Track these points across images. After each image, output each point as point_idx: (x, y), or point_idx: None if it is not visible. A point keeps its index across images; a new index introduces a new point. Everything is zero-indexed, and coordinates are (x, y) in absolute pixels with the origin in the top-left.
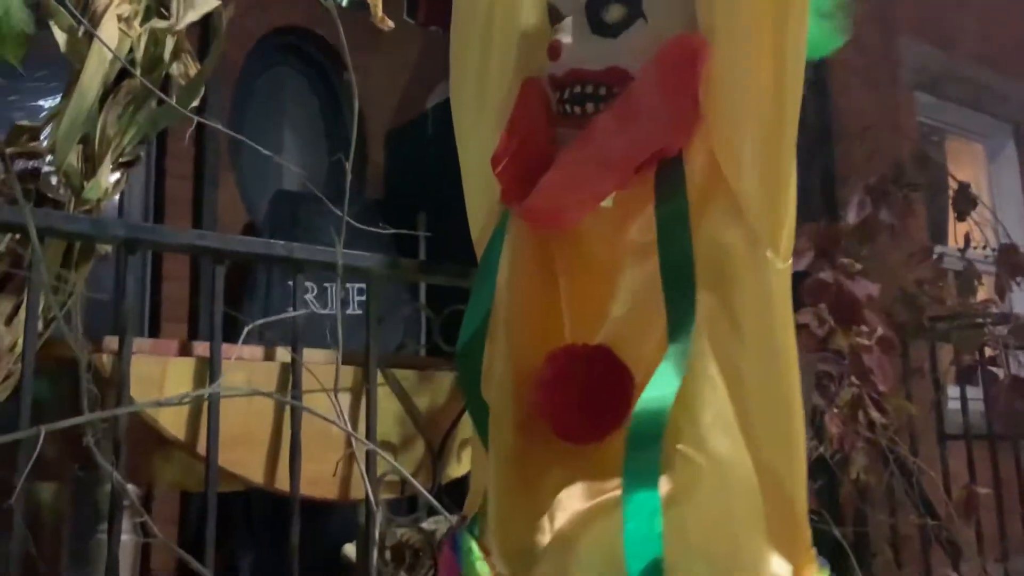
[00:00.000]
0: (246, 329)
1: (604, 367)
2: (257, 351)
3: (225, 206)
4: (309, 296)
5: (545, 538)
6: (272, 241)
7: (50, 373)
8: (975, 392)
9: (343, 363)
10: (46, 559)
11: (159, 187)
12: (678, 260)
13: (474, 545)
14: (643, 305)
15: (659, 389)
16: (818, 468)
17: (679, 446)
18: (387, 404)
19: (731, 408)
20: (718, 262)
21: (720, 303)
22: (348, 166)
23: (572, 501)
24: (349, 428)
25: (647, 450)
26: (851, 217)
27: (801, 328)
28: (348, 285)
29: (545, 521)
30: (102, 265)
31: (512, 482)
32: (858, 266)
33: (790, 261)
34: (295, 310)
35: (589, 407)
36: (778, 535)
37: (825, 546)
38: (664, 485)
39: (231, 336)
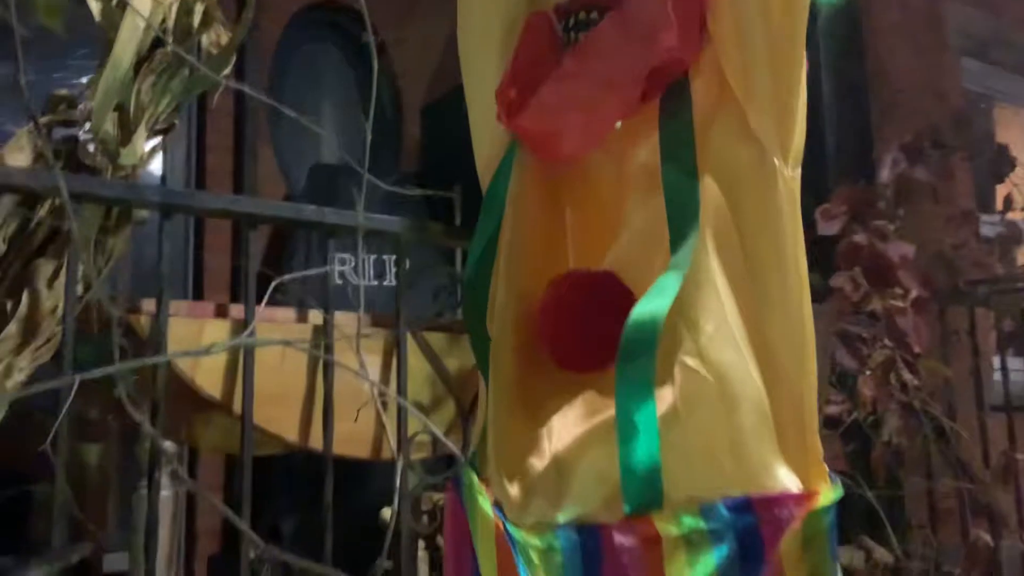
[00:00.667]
0: (272, 284)
1: (607, 293)
2: (291, 313)
3: (264, 179)
4: (347, 267)
5: (543, 464)
6: (303, 205)
7: (95, 338)
8: (1018, 364)
9: (375, 325)
10: (93, 519)
11: (200, 161)
12: (681, 176)
13: (475, 478)
14: (649, 232)
15: (655, 299)
16: (851, 431)
17: (681, 357)
18: (417, 366)
19: (738, 319)
20: (725, 178)
21: (726, 215)
22: (369, 123)
23: (571, 426)
24: (379, 384)
25: (639, 360)
26: (884, 175)
27: (835, 292)
28: (384, 257)
29: (544, 448)
30: (145, 236)
31: (511, 410)
32: (891, 227)
33: (799, 170)
34: (328, 273)
35: (590, 334)
36: (787, 448)
37: (858, 510)
38: (665, 397)
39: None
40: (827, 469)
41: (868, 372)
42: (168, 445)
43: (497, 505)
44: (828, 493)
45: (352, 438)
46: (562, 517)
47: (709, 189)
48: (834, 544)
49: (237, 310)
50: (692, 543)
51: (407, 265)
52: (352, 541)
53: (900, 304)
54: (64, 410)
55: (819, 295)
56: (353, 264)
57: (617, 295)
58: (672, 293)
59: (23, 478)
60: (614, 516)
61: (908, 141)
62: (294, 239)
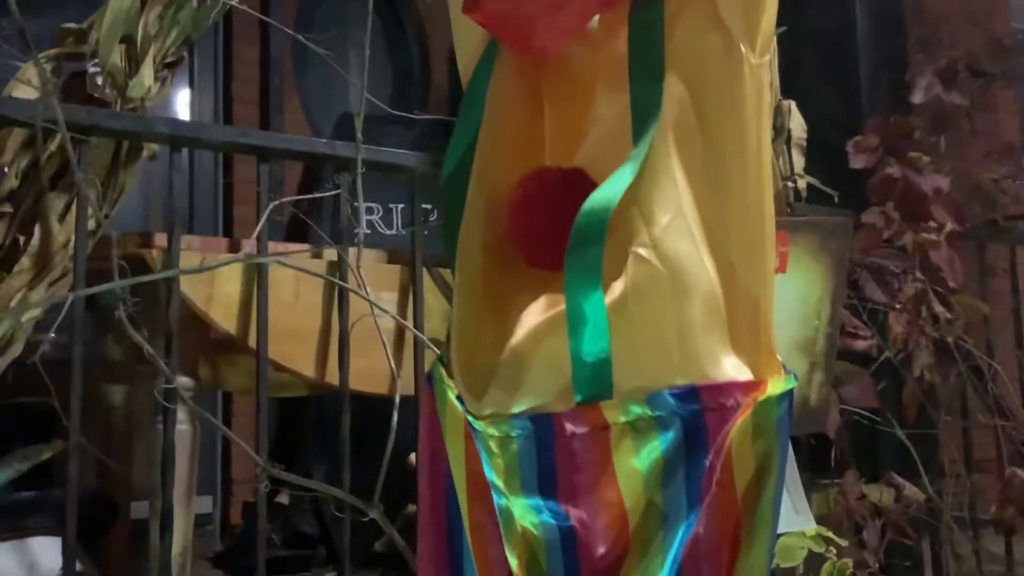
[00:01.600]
0: (269, 208)
1: (577, 190)
2: (305, 249)
3: (291, 130)
4: (375, 216)
5: (502, 357)
6: (315, 139)
7: (121, 279)
8: None
9: (391, 263)
10: (120, 460)
11: (227, 112)
12: (646, 68)
13: (443, 373)
14: (618, 127)
15: (607, 189)
16: (883, 368)
17: (634, 248)
18: (434, 303)
19: (695, 211)
20: (692, 68)
21: (690, 106)
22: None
23: (532, 320)
24: (397, 317)
25: (587, 249)
26: (917, 97)
27: (866, 228)
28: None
29: (505, 342)
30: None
31: (477, 307)
32: (926, 159)
33: (766, 57)
34: (344, 209)
35: (560, 231)
36: (739, 340)
37: (889, 448)
38: (616, 288)
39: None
40: (780, 361)
41: (898, 306)
42: (183, 380)
43: (459, 399)
44: (778, 383)
45: (369, 374)
46: (517, 407)
47: (674, 80)
48: (785, 436)
49: (250, 245)
50: (639, 430)
51: (420, 202)
52: (387, 487)
53: (933, 238)
54: (78, 334)
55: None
56: (380, 213)
57: (586, 192)
58: (624, 183)
59: (55, 419)
60: (567, 406)
61: (943, 65)
62: (324, 185)
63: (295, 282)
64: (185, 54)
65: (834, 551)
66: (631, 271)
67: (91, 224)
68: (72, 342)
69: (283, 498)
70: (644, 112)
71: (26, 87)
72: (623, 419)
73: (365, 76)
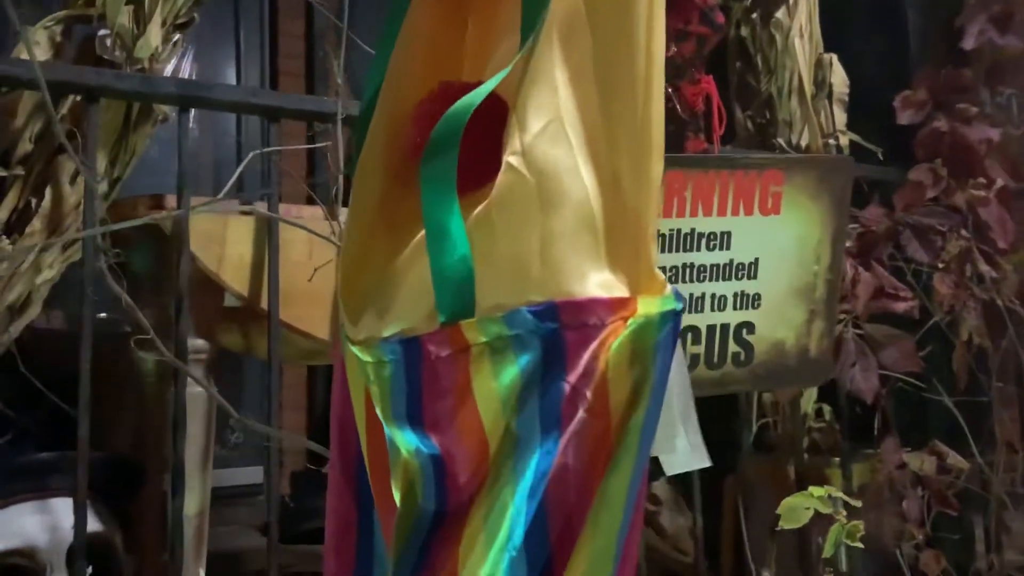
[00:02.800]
0: (248, 158)
1: (483, 106)
2: (318, 211)
3: None
4: None
5: (380, 280)
6: (325, 99)
7: (146, 247)
8: None
9: None
10: (153, 429)
11: (272, 85)
12: None
13: (342, 310)
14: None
15: (475, 94)
16: (928, 333)
17: (506, 158)
18: None
19: (576, 116)
20: None
21: (580, 5)
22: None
23: (421, 243)
24: None
25: (442, 157)
26: (968, 43)
27: (909, 184)
28: None
29: (389, 265)
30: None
31: (371, 228)
32: (975, 109)
33: None
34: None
35: (465, 151)
36: (617, 256)
37: (940, 419)
38: (484, 200)
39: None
40: (664, 281)
41: (941, 266)
42: (197, 343)
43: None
44: (651, 303)
45: None
46: (388, 331)
47: None
48: (664, 362)
49: (263, 207)
50: (496, 351)
51: None
52: None
53: (982, 194)
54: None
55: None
56: None
57: (492, 107)
58: (487, 88)
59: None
60: (434, 328)
61: (998, 10)
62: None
63: (308, 243)
64: (196, 15)
65: (844, 513)
66: (499, 181)
67: (103, 187)
68: (84, 298)
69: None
70: (532, 9)
71: (35, 48)
72: (483, 339)
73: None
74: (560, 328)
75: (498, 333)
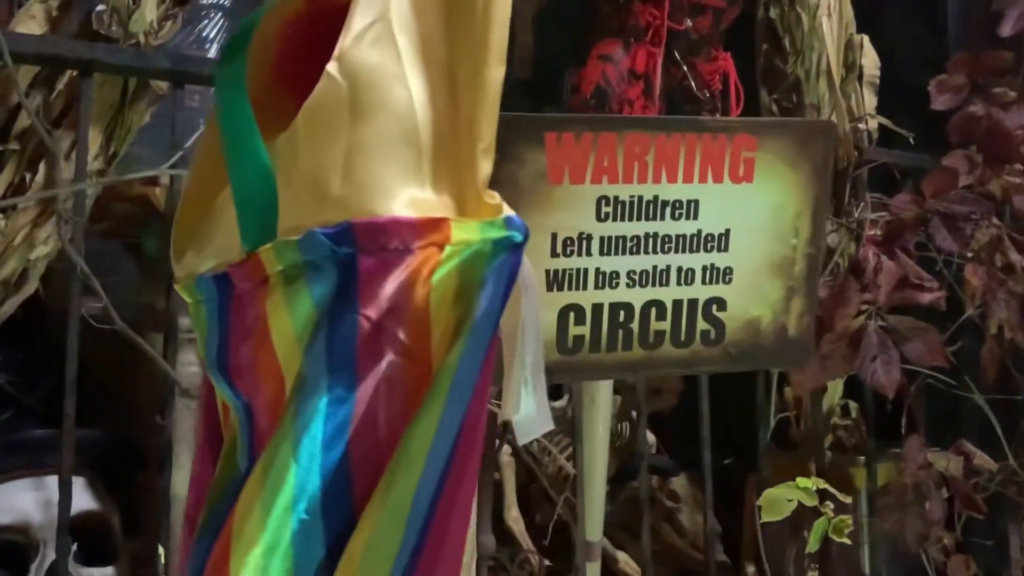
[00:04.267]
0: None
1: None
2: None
3: None
4: None
5: (207, 216)
6: None
7: (160, 228)
8: None
9: None
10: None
11: None
12: None
13: None
14: None
15: None
16: (961, 328)
17: (327, 67)
18: None
19: (409, 15)
20: None
21: None
22: None
23: None
24: None
25: (231, 63)
26: (1006, 29)
27: (939, 170)
28: None
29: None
30: None
31: (217, 161)
32: (1012, 93)
33: None
34: None
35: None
36: (443, 173)
37: (973, 417)
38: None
39: None
40: (499, 205)
41: (970, 255)
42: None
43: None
44: (473, 228)
45: None
46: (204, 266)
47: None
48: (490, 300)
49: None
50: (290, 280)
51: None
52: None
53: (1018, 181)
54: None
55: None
56: None
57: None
58: None
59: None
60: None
61: None
62: None
63: None
64: None
65: (831, 506)
66: (314, 91)
67: (98, 164)
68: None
69: None
70: None
71: (30, 22)
72: (279, 267)
73: None
74: (355, 253)
75: (292, 260)
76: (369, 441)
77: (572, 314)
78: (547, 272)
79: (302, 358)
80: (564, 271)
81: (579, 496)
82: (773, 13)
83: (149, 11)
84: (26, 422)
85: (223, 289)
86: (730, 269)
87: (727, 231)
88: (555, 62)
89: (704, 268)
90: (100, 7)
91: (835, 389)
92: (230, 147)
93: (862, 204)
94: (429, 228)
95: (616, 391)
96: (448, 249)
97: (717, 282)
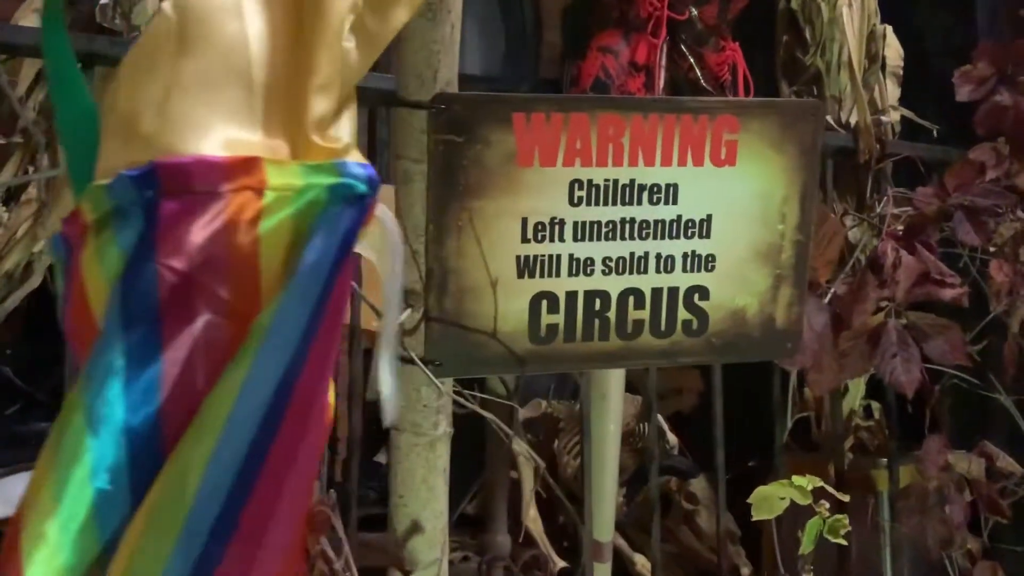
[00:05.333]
0: None
1: None
2: None
3: None
4: None
5: None
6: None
7: None
8: None
9: None
10: None
11: None
12: None
13: None
14: None
15: None
16: (988, 326)
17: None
18: None
19: None
20: None
21: None
22: None
23: None
24: None
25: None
26: None
27: (963, 163)
28: None
29: None
30: None
31: None
32: None
33: None
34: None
35: None
36: (279, 114)
37: (999, 418)
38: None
39: None
40: (340, 149)
41: (992, 249)
42: None
43: None
44: (295, 172)
45: None
46: (57, 221)
47: None
48: (318, 254)
49: None
50: (100, 227)
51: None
52: None
53: None
54: None
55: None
56: None
57: None
58: None
59: None
60: None
61: None
62: None
63: None
64: None
65: (827, 505)
66: (145, 29)
67: None
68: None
69: (381, 457)
70: None
71: (34, 15)
72: (93, 215)
73: None
74: (157, 196)
75: (103, 206)
76: (188, 407)
77: (545, 302)
78: (517, 258)
79: (109, 315)
80: (536, 257)
81: (586, 494)
82: (794, 3)
83: (151, 3)
84: (33, 415)
85: (66, 246)
86: (713, 256)
87: (709, 216)
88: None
89: (685, 255)
90: (104, 0)
91: (856, 389)
92: (53, 90)
93: (885, 198)
94: (239, 169)
95: (635, 390)
96: (270, 195)
97: (699, 270)
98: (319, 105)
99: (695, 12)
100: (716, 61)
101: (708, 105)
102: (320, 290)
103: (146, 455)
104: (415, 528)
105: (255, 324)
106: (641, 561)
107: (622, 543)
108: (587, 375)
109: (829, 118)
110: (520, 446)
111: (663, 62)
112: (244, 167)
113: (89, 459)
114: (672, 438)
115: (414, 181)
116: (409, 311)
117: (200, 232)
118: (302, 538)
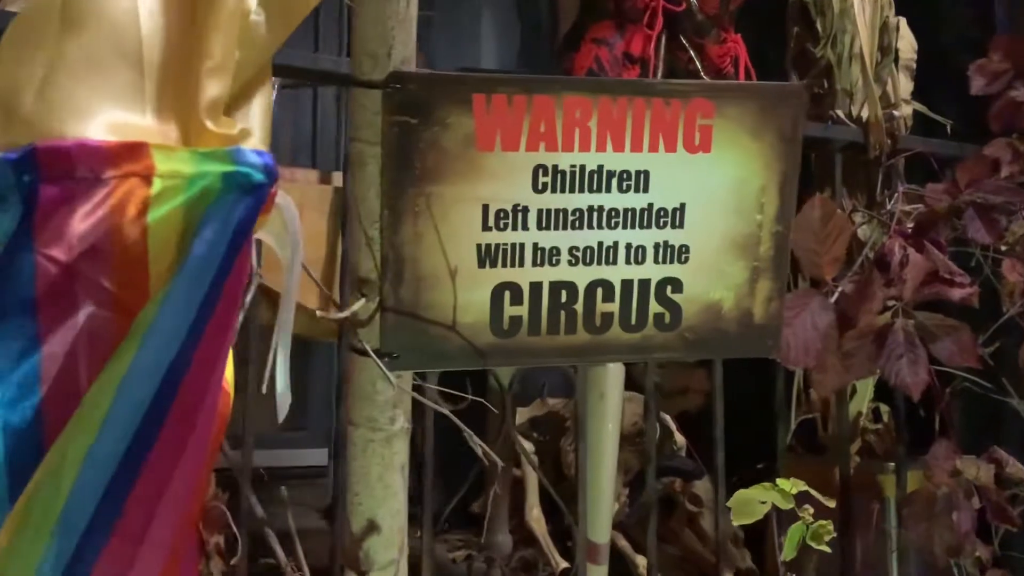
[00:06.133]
0: None
1: None
2: (312, 175)
3: None
4: None
5: None
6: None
7: None
8: None
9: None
10: None
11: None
12: None
13: None
14: None
15: None
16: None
17: None
18: None
19: None
20: None
21: None
22: None
23: None
24: None
25: None
26: None
27: (974, 159)
28: None
29: None
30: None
31: None
32: None
33: None
34: None
35: None
36: (170, 97)
37: (1012, 423)
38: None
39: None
40: (235, 135)
41: (1004, 248)
42: None
43: None
44: (185, 159)
45: None
46: None
47: None
48: (208, 245)
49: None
50: None
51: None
52: None
53: None
54: None
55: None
56: None
57: None
58: None
59: None
60: None
61: None
62: None
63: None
64: None
65: (811, 510)
66: (28, 3)
67: None
68: None
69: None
70: None
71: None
72: None
73: None
74: (36, 181)
75: None
76: (70, 401)
77: (507, 293)
78: (478, 246)
79: None
80: (498, 246)
81: (580, 495)
82: None
83: None
84: None
85: None
86: (686, 247)
87: (682, 205)
88: None
89: (656, 246)
90: None
91: (865, 391)
92: None
93: (895, 195)
94: (123, 155)
95: (640, 389)
96: (158, 183)
97: (671, 261)
98: (211, 89)
99: (695, 2)
100: (717, 52)
101: (681, 88)
102: (211, 281)
103: (25, 450)
104: (371, 528)
105: (139, 317)
106: (643, 563)
107: (625, 544)
108: (583, 372)
109: (839, 111)
110: (520, 446)
111: (661, 53)
112: (129, 153)
113: None
114: (680, 439)
115: (368, 164)
116: (363, 300)
117: (82, 220)
118: (193, 535)
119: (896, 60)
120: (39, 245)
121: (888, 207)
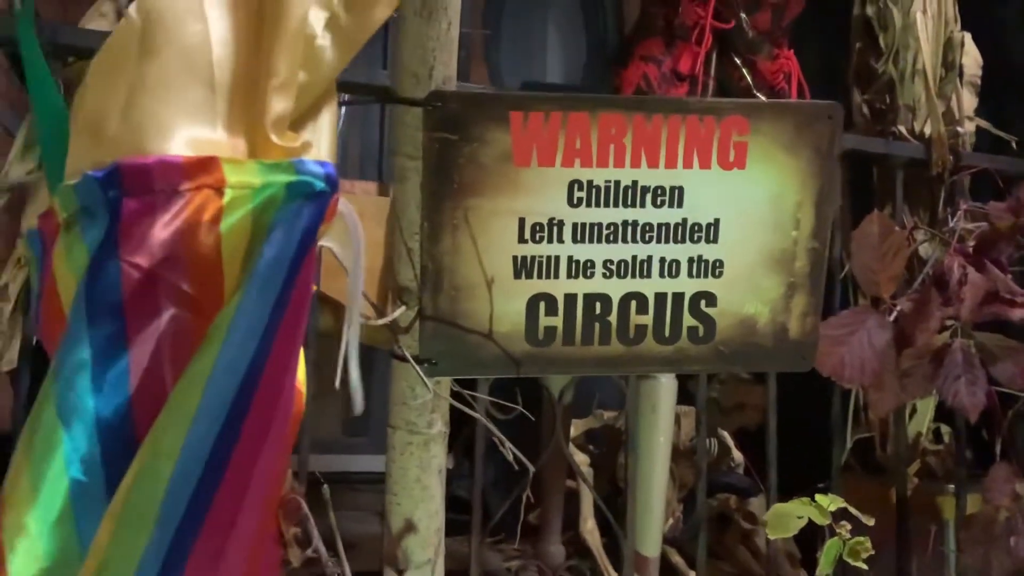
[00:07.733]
0: None
1: None
2: (371, 186)
3: None
4: None
5: None
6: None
7: None
8: None
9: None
10: None
11: None
12: None
13: None
14: None
15: None
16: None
17: (129, 7)
18: None
19: None
20: None
21: None
22: None
23: None
24: None
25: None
26: None
27: None
28: None
29: None
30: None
31: None
32: None
33: None
34: None
35: None
36: (240, 113)
37: None
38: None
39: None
40: (296, 148)
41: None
42: None
43: None
44: (252, 171)
45: None
46: (33, 217)
47: None
48: (277, 249)
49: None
50: (69, 226)
51: None
52: None
53: None
54: None
55: None
56: None
57: None
58: None
59: None
60: None
61: None
62: None
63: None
64: None
65: (848, 526)
66: (112, 33)
67: None
68: None
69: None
70: None
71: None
72: (64, 215)
73: None
74: (120, 195)
75: (71, 206)
76: (157, 398)
77: (543, 304)
78: (514, 258)
79: (73, 312)
80: (533, 258)
81: (628, 507)
82: (870, 10)
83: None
84: None
85: (41, 243)
86: (720, 262)
87: (716, 221)
88: None
89: (691, 260)
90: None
91: (925, 411)
92: (31, 89)
93: (958, 213)
94: (197, 169)
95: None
96: (230, 193)
97: (705, 275)
98: (277, 105)
99: (746, 19)
100: (770, 69)
101: (715, 106)
102: (281, 283)
103: (118, 445)
104: (409, 527)
105: (219, 317)
106: None
107: (679, 560)
108: (635, 385)
109: (902, 127)
110: (570, 456)
111: (711, 71)
112: (202, 167)
113: (63, 450)
114: (738, 455)
115: (409, 178)
116: (403, 308)
117: (161, 229)
118: (274, 525)
119: (960, 76)
120: (124, 253)
121: (950, 224)
